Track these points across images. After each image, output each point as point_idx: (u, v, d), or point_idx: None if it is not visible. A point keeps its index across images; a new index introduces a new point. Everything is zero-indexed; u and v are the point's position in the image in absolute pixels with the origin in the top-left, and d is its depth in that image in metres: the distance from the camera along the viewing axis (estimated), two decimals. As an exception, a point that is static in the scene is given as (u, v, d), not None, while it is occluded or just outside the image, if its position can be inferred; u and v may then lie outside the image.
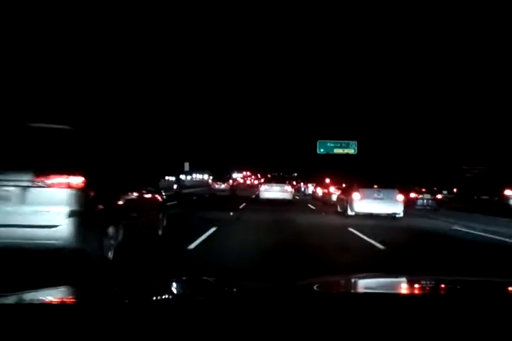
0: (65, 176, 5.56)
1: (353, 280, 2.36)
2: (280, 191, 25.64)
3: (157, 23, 47.14)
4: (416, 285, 2.21)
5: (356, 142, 51.93)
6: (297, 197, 34.42)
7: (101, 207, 6.10)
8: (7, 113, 19.88)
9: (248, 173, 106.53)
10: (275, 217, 15.55)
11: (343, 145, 51.74)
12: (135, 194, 7.60)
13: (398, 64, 49.10)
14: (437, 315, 1.31)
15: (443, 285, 2.21)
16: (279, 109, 78.01)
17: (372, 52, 50.82)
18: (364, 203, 15.65)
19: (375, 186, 16.20)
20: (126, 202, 7.00)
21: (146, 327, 1.20)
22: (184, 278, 2.38)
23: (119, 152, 7.69)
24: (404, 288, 2.20)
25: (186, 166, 46.31)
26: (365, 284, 2.25)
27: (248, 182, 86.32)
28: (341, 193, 18.48)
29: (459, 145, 42.89)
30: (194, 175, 70.94)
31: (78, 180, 5.62)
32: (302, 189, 52.76)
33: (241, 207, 20.61)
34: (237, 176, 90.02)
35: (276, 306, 1.41)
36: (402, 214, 15.96)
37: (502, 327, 1.25)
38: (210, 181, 40.20)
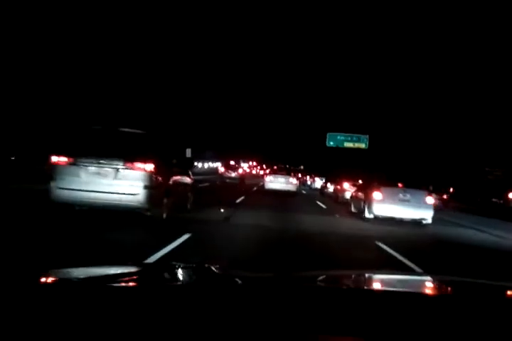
0: (142, 163, 8.55)
1: (354, 276, 2.35)
2: (285, 183, 25.45)
3: (162, 16, 44.46)
4: (423, 284, 2.26)
5: (368, 136, 49.29)
6: (304, 192, 31.57)
7: (161, 184, 9.14)
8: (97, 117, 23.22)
9: (254, 163, 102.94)
10: (276, 219, 11.79)
11: (354, 138, 49.27)
12: (176, 177, 10.77)
13: (418, 53, 45.91)
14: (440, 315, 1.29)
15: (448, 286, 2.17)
16: (288, 99, 74.85)
17: (388, 41, 47.78)
18: (386, 205, 12.76)
19: (400, 185, 13.30)
20: (172, 182, 10.22)
21: (146, 313, 1.20)
22: (186, 265, 2.22)
23: (166, 146, 10.92)
24: (406, 287, 2.15)
25: (188, 152, 44.12)
26: (365, 280, 2.22)
27: (254, 172, 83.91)
28: (357, 191, 15.54)
29: (481, 146, 39.72)
30: (206, 163, 68.49)
31: (149, 166, 8.60)
32: (308, 182, 50.09)
33: (238, 200, 16.80)
34: (244, 166, 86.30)
35: (278, 298, 1.40)
36: (430, 221, 13.09)
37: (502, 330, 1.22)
38: (221, 169, 43.96)
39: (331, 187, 26.32)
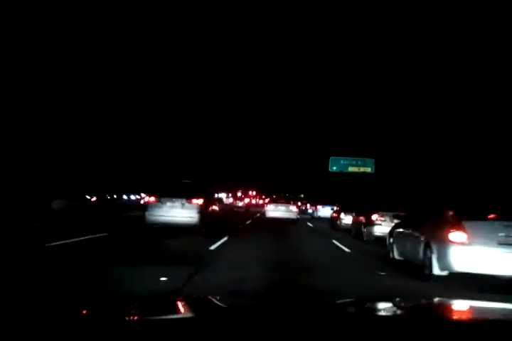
0: (195, 199, 14.68)
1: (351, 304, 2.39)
2: (285, 211, 25.84)
3: (158, 27, 41.87)
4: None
5: (374, 160, 43.89)
6: (310, 225, 25.58)
7: (205, 212, 15.28)
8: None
9: (254, 193, 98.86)
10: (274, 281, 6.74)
11: (359, 162, 44.07)
12: (212, 206, 17.89)
13: (426, 69, 40.70)
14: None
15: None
16: (286, 124, 69.52)
17: (393, 60, 43.02)
18: (477, 252, 6.80)
19: (491, 216, 7.33)
20: (210, 210, 16.88)
21: None
22: (190, 298, 2.38)
23: (207, 189, 18.10)
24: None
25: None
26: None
27: (253, 202, 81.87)
28: (404, 226, 9.48)
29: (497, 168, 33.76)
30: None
31: (200, 201, 14.75)
32: (310, 211, 45.24)
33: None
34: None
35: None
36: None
37: None
38: (230, 200, 49.71)
39: (346, 218, 20.18)
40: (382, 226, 13.24)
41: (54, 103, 29.32)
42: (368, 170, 44.42)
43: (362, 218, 15.01)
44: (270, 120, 70.00)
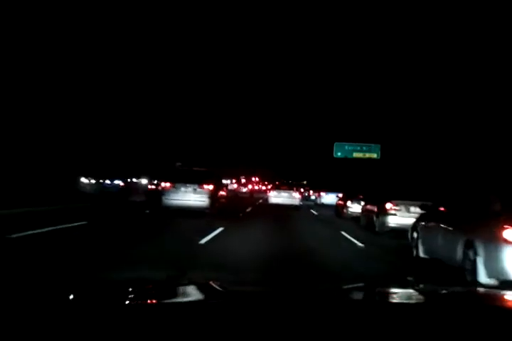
0: (206, 185, 16.02)
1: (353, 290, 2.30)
2: (288, 197, 25.78)
3: (156, 23, 39.93)
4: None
5: (380, 145, 42.35)
6: (314, 212, 24.06)
7: (215, 197, 16.70)
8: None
9: (257, 179, 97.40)
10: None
11: (364, 148, 42.51)
12: (221, 192, 19.25)
13: (438, 55, 38.57)
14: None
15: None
16: (289, 109, 67.28)
17: (400, 43, 40.88)
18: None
19: None
20: (219, 195, 18.21)
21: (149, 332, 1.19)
22: (190, 283, 2.29)
23: (217, 176, 19.75)
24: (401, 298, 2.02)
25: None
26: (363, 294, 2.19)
27: (256, 188, 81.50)
28: (437, 221, 7.65)
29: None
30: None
31: (210, 187, 16.12)
32: (313, 197, 43.59)
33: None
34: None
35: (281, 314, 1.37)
36: None
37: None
38: (233, 186, 53.64)
39: (352, 207, 18.56)
40: (397, 217, 11.67)
41: (62, 96, 29.10)
42: (374, 156, 43.12)
43: (373, 207, 13.30)
44: (274, 105, 67.94)
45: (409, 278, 6.36)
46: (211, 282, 2.12)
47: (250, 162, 77.26)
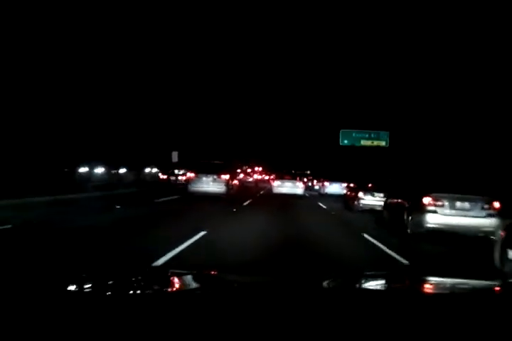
0: (223, 175, 19.39)
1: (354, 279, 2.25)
2: (291, 187, 25.81)
3: (154, 18, 40.44)
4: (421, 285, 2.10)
5: (388, 132, 39.90)
6: (323, 206, 21.48)
7: (230, 185, 19.89)
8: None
9: (260, 169, 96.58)
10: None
11: (373, 135, 40.08)
12: (233, 181, 21.68)
13: (448, 41, 35.56)
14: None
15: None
16: (295, 94, 63.98)
17: (413, 28, 37.98)
18: None
19: None
20: (233, 183, 21.58)
21: (145, 321, 1.17)
22: (186, 272, 2.29)
23: (232, 167, 26.30)
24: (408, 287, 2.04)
25: (174, 156, 37.75)
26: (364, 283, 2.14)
27: (259, 177, 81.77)
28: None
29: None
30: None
31: (226, 177, 19.56)
32: (317, 187, 41.62)
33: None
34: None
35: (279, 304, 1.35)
36: None
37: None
38: (240, 176, 52.10)
39: (366, 198, 16.36)
40: (438, 215, 8.95)
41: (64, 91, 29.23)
42: (382, 143, 40.86)
43: (403, 201, 10.41)
44: (278, 91, 64.85)
45: None
46: (207, 271, 2.31)
47: (254, 152, 74.62)
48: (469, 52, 32.57)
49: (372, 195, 16.34)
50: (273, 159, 75.35)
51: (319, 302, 1.33)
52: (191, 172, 20.10)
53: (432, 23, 37.20)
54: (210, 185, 19.03)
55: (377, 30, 44.33)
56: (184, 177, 31.79)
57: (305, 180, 44.07)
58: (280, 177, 27.70)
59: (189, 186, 19.49)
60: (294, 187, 25.56)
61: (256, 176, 73.00)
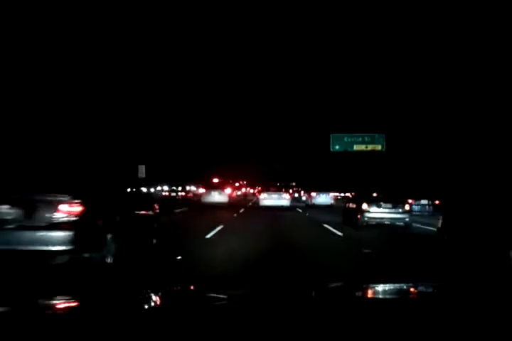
0: (226, 190, 32.07)
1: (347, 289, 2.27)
2: (278, 198, 26.40)
3: (155, 22, 35.99)
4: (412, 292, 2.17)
5: (384, 135, 35.38)
6: (327, 227, 17.25)
7: (231, 197, 35.86)
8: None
9: (245, 183, 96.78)
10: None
11: (367, 139, 35.71)
12: (233, 194, 50.21)
13: (443, 40, 31.45)
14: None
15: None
16: (280, 96, 58.57)
17: (409, 27, 34.15)
18: None
19: None
20: (233, 196, 46.74)
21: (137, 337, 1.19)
22: (175, 288, 2.33)
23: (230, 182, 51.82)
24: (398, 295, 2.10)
25: (141, 170, 32.18)
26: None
27: (244, 190, 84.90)
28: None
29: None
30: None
31: (228, 191, 33.57)
32: (303, 198, 40.35)
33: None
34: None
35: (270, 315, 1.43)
36: None
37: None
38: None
39: (372, 211, 13.97)
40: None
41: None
42: (378, 147, 36.55)
43: None
44: (262, 93, 59.38)
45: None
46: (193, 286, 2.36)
47: (237, 166, 69.15)
48: (467, 54, 28.72)
49: (379, 206, 14.28)
50: (258, 172, 70.19)
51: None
52: (203, 188, 29.68)
53: (429, 25, 33.32)
54: (217, 197, 27.49)
55: (372, 27, 40.14)
56: (183, 193, 46.18)
57: (290, 191, 43.48)
58: (266, 189, 28.18)
59: (202, 198, 28.48)
60: (281, 199, 26.34)
61: (243, 189, 79.33)
